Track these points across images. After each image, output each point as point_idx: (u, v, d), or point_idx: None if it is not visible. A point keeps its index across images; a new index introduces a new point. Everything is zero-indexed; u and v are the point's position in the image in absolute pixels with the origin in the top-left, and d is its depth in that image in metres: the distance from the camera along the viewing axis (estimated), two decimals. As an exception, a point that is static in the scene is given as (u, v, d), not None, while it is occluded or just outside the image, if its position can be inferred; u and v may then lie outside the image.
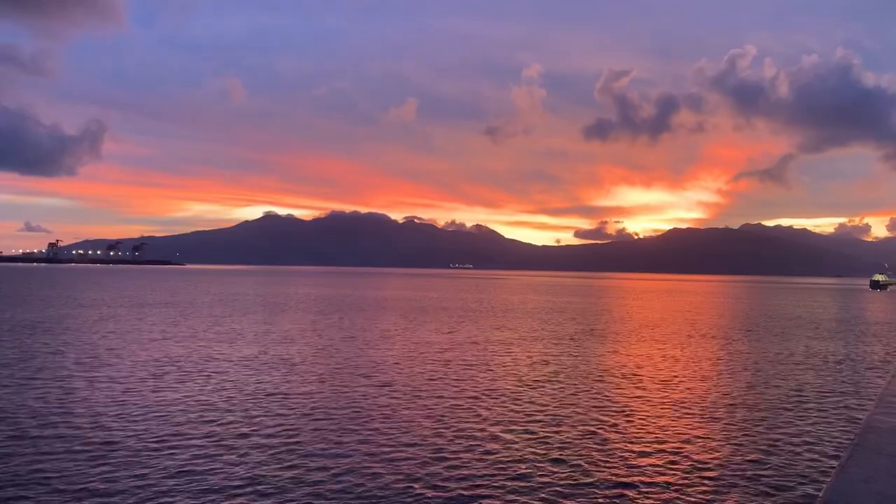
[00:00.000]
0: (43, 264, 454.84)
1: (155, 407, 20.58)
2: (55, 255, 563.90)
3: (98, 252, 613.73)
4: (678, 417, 20.62)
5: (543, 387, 25.26)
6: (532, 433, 18.28)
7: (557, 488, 13.96)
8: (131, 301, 74.00)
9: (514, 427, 18.89)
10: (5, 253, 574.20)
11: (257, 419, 19.36)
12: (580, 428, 18.95)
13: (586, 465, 15.49)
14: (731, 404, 22.77)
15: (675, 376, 28.41)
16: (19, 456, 15.37)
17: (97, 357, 30.63)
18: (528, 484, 14.18)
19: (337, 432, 18.02)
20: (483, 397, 23.03)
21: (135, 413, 19.74)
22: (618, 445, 17.26)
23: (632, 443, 17.52)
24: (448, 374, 27.65)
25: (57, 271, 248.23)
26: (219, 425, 18.56)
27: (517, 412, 20.82)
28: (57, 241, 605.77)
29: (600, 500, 13.31)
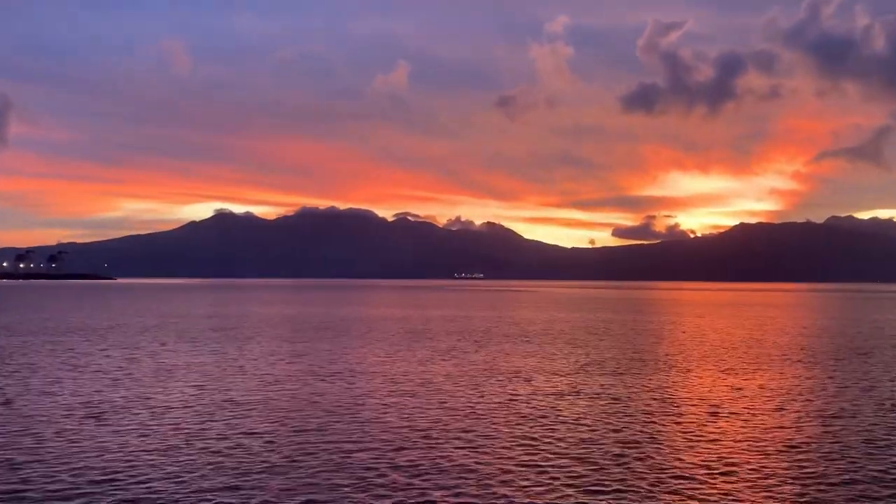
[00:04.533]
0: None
1: (69, 457, 20.56)
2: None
3: (4, 264, 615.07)
4: (754, 457, 20.60)
5: (582, 429, 25.21)
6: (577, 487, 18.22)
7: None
8: (43, 327, 74.06)
9: (553, 482, 18.87)
10: None
11: (193, 483, 19.34)
12: (637, 475, 18.92)
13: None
14: (820, 445, 22.72)
15: (752, 411, 28.34)
16: None
17: None
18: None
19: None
20: (503, 444, 23.04)
21: (39, 467, 19.72)
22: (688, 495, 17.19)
23: (699, 489, 17.45)
24: (455, 417, 27.67)
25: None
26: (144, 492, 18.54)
27: (550, 463, 20.87)
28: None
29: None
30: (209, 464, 20.68)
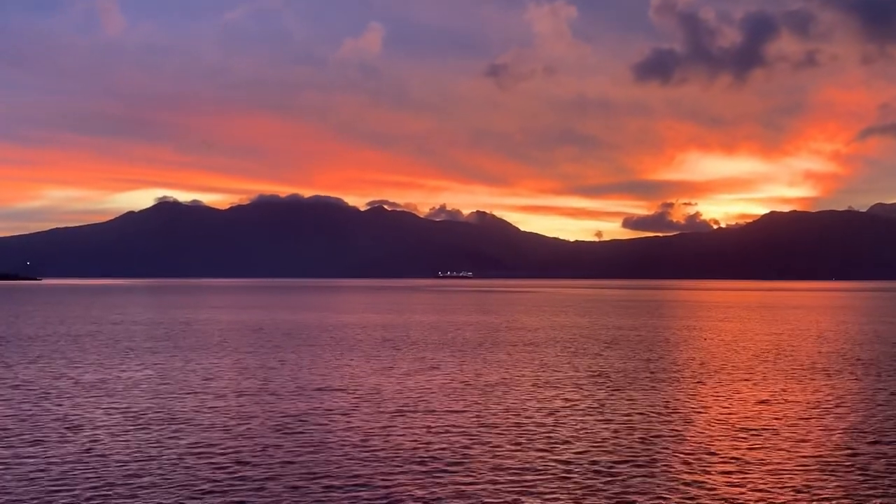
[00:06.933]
0: None
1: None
2: None
3: None
4: (790, 480, 20.84)
5: (590, 449, 25.32)
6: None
7: None
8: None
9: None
10: None
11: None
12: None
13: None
14: (863, 464, 23.01)
15: (786, 429, 28.58)
16: None
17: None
18: None
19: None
20: (494, 467, 23.14)
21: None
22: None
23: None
24: (441, 437, 27.75)
25: None
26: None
27: (549, 489, 20.97)
28: None
29: None
30: (147, 492, 20.63)
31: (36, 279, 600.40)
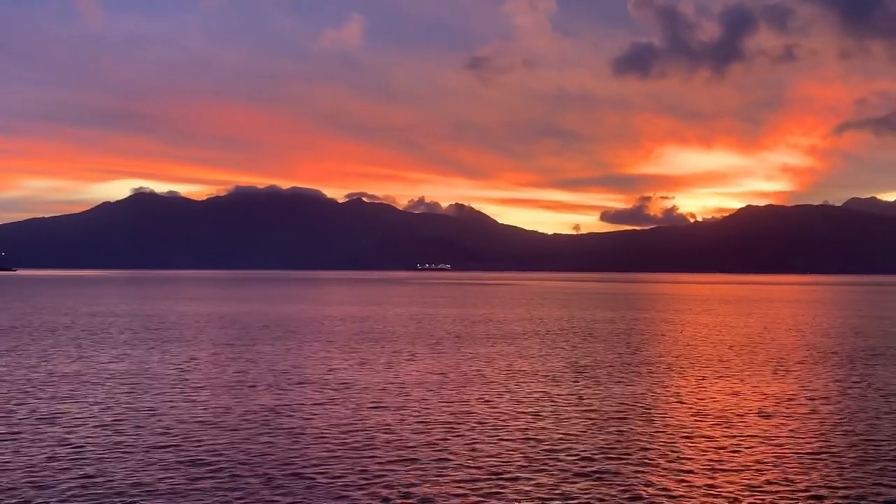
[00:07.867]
0: None
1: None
2: None
3: None
4: (766, 473, 21.07)
5: (559, 443, 25.46)
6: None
7: None
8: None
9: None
10: None
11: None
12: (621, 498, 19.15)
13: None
14: (833, 457, 23.26)
15: (762, 422, 28.87)
16: None
17: None
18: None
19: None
20: (467, 459, 23.22)
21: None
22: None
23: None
24: (425, 433, 27.80)
25: None
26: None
27: (517, 486, 21.06)
28: None
29: None
30: (122, 485, 20.59)
31: (11, 270, 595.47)
